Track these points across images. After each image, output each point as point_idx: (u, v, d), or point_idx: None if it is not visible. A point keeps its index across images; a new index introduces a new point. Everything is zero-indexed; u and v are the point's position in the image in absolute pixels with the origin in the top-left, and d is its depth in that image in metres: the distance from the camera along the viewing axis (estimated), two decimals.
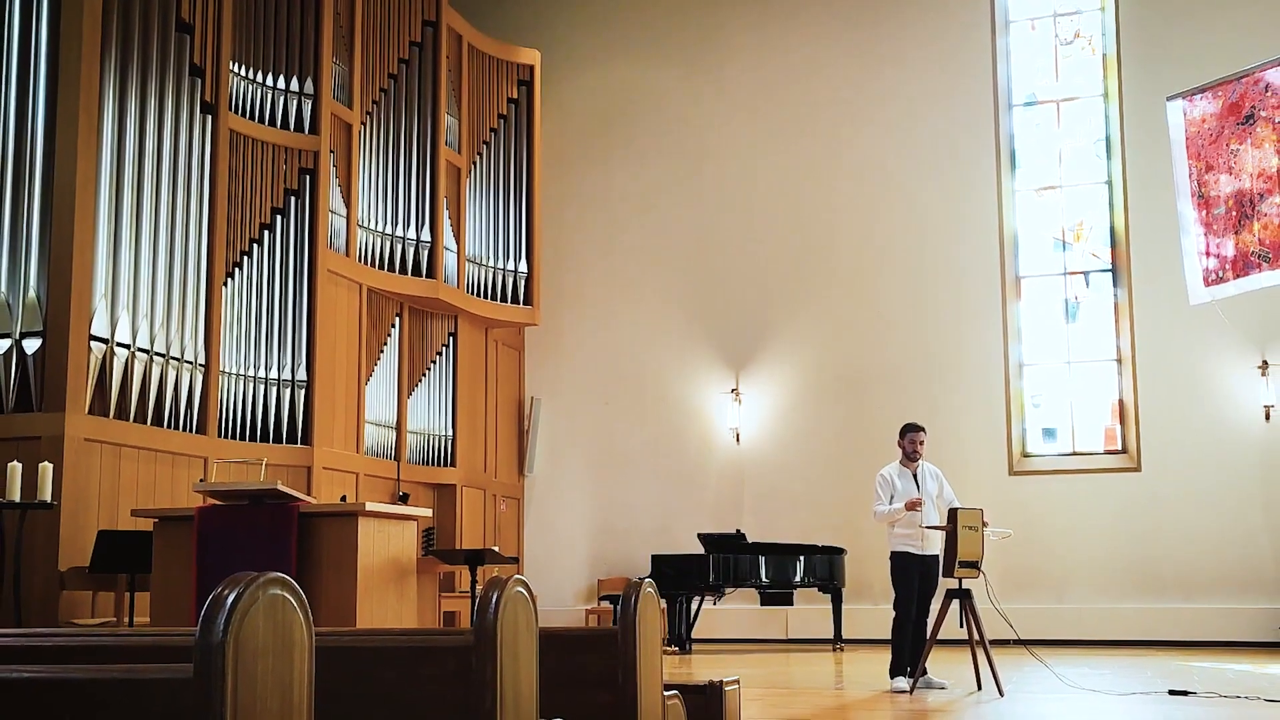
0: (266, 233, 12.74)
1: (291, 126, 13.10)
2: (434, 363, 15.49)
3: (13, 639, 3.84)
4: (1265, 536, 14.30)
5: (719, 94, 17.20)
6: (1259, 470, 14.46)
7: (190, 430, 11.50)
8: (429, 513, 11.86)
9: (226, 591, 2.05)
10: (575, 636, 4.20)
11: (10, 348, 10.22)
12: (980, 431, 15.41)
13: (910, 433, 9.84)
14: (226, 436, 11.99)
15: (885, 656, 9.82)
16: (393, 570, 8.49)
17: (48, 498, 9.24)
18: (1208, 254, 11.40)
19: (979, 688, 9.10)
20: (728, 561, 13.73)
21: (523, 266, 16.51)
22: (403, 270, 14.64)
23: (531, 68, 17.23)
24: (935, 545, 9.55)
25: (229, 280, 12.22)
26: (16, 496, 9.11)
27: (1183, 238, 11.66)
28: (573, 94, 17.84)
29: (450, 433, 15.52)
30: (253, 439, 12.28)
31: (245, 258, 12.47)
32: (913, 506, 9.49)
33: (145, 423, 10.94)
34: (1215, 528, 14.43)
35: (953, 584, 9.21)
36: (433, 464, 15.29)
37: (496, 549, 11.42)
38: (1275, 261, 10.90)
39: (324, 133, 13.33)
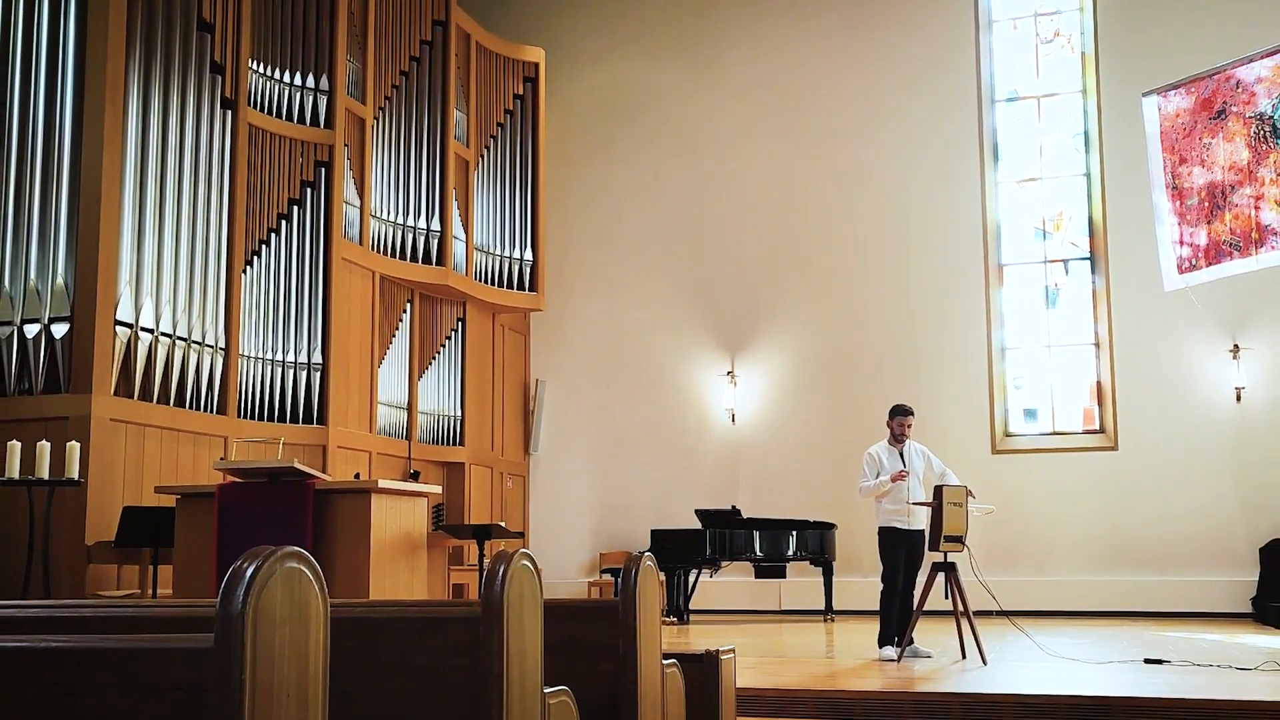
0: (284, 222, 12.73)
1: (308, 121, 13.07)
2: (443, 346, 15.48)
3: (42, 610, 3.84)
4: (1236, 512, 14.31)
5: (715, 90, 17.17)
6: (1230, 449, 14.47)
7: (211, 411, 11.51)
8: (439, 490, 11.89)
9: (246, 564, 2.04)
10: (578, 608, 4.20)
11: (39, 332, 10.22)
12: (964, 412, 15.42)
13: (899, 415, 9.84)
14: (246, 417, 11.99)
15: (874, 627, 9.84)
16: (404, 544, 8.49)
17: (75, 475, 9.25)
18: (1181, 243, 11.39)
19: (963, 656, 9.12)
20: (724, 536, 13.72)
21: (528, 255, 16.50)
22: (414, 258, 14.63)
23: (536, 65, 17.20)
24: (921, 520, 9.56)
25: (248, 268, 12.21)
26: (45, 474, 9.11)
27: (1157, 227, 11.64)
28: (576, 90, 17.81)
29: (459, 413, 15.53)
30: (271, 419, 12.28)
31: (263, 246, 12.46)
32: (899, 477, 9.52)
33: (168, 404, 10.94)
34: (1189, 504, 14.44)
35: (938, 557, 9.22)
36: (442, 443, 15.29)
37: (503, 524, 11.40)
38: (1246, 250, 10.89)
39: (338, 127, 13.30)
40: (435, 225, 14.89)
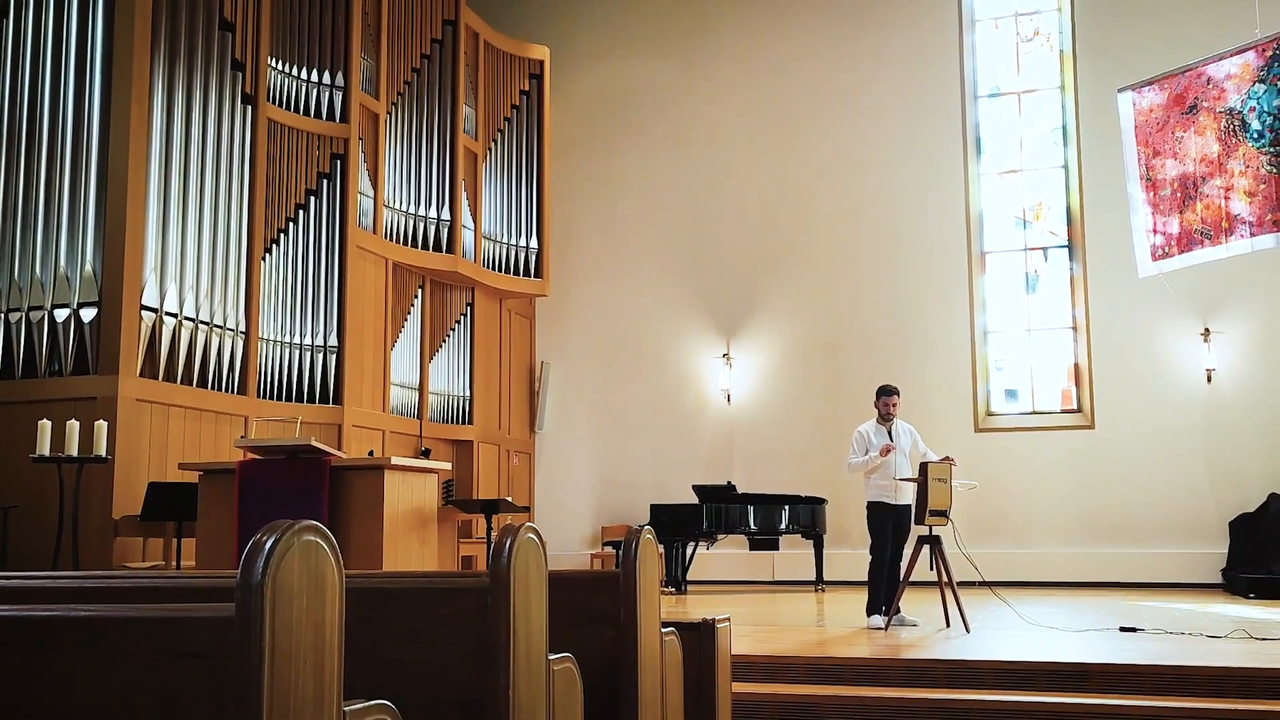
0: (301, 212, 12.71)
1: (324, 116, 13.04)
2: (453, 330, 15.47)
3: (71, 581, 3.84)
4: (1207, 487, 14.31)
5: (711, 86, 17.12)
6: (1201, 427, 14.46)
7: (232, 391, 11.50)
8: (448, 466, 11.86)
9: (265, 537, 2.04)
10: (581, 578, 4.19)
11: (69, 316, 10.22)
12: (948, 393, 15.41)
13: (885, 395, 9.84)
14: (265, 397, 11.98)
15: (862, 597, 9.85)
16: (416, 518, 8.49)
17: (103, 453, 9.26)
18: (1155, 231, 11.37)
19: (947, 625, 9.13)
20: (719, 510, 13.72)
21: (533, 243, 16.48)
22: (425, 246, 14.60)
23: (542, 62, 17.16)
24: (908, 495, 9.57)
25: (267, 255, 12.20)
26: (74, 451, 9.12)
27: (1132, 217, 11.62)
28: (579, 86, 17.77)
29: (468, 393, 15.52)
30: (289, 399, 12.28)
31: (282, 235, 12.44)
32: (887, 451, 9.52)
33: (191, 384, 10.94)
34: (1162, 479, 14.44)
35: (924, 531, 9.23)
36: (452, 422, 15.29)
37: (509, 499, 11.42)
38: (1216, 238, 10.88)
39: (353, 122, 13.27)
40: (445, 215, 14.86)
